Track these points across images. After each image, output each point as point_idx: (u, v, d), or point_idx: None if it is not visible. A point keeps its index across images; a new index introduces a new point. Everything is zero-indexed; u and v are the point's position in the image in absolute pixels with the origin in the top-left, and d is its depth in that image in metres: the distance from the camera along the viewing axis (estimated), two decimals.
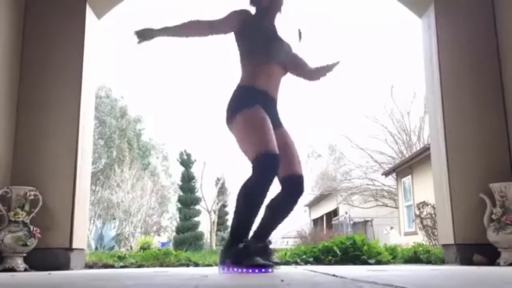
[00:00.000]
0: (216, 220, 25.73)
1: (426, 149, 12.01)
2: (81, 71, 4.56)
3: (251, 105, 3.13)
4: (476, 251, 4.30)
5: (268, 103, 3.25)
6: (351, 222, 21.99)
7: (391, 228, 16.92)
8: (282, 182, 3.22)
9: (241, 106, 3.15)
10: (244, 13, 3.38)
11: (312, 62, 3.63)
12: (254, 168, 3.01)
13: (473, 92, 4.68)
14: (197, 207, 24.67)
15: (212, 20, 3.38)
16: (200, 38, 3.49)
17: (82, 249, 4.55)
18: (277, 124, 3.28)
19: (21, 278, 2.92)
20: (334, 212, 25.52)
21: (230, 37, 3.42)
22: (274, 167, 3.00)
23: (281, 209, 3.25)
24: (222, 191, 27.08)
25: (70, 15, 4.70)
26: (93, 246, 14.40)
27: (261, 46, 3.32)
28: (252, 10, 3.45)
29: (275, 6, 3.43)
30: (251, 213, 3.03)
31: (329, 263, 4.93)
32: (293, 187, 3.23)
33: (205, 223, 25.45)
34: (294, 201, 3.24)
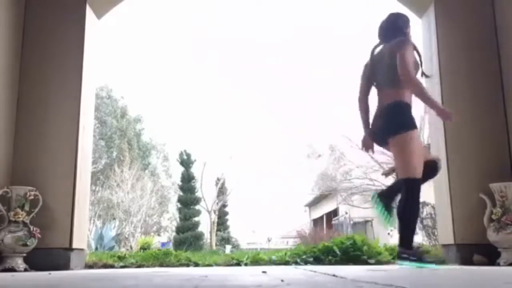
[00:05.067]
0: (216, 220, 25.73)
1: None
2: (81, 71, 4.57)
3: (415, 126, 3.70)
4: (476, 251, 4.30)
5: None
6: (351, 222, 21.97)
7: (394, 227, 16.89)
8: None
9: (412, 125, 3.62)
10: None
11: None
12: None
13: (473, 92, 4.67)
14: (197, 207, 24.68)
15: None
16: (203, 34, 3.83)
17: (82, 249, 4.55)
18: None
19: (21, 278, 2.92)
20: (334, 212, 25.51)
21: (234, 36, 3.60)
22: None
23: None
24: (222, 191, 27.08)
25: (70, 15, 4.70)
26: (93, 246, 14.39)
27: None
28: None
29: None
30: None
31: (329, 263, 4.93)
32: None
33: (205, 223, 25.47)
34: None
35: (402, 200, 3.62)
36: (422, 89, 3.60)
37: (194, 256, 5.44)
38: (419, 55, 3.80)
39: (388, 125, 3.66)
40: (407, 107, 3.63)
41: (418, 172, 3.58)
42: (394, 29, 3.84)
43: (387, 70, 3.69)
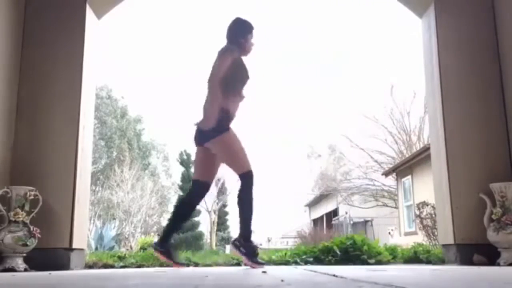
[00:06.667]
0: (216, 220, 25.72)
1: (426, 149, 11.99)
2: (81, 71, 4.56)
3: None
4: (476, 251, 4.30)
5: None
6: (351, 222, 21.98)
7: (395, 228, 16.92)
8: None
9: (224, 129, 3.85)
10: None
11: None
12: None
13: (473, 92, 4.68)
14: (197, 207, 24.64)
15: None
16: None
17: (82, 249, 4.54)
18: None
19: (21, 278, 2.92)
20: (334, 212, 25.51)
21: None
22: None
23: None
24: (222, 191, 27.05)
25: (70, 15, 4.70)
26: (93, 246, 14.39)
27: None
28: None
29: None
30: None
31: (329, 263, 4.93)
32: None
33: (205, 223, 25.45)
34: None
35: (240, 194, 3.79)
36: (212, 100, 3.76)
37: (194, 256, 5.44)
38: (245, 69, 3.92)
39: (206, 130, 3.82)
40: (222, 111, 3.77)
41: (248, 165, 3.80)
42: (228, 34, 4.01)
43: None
